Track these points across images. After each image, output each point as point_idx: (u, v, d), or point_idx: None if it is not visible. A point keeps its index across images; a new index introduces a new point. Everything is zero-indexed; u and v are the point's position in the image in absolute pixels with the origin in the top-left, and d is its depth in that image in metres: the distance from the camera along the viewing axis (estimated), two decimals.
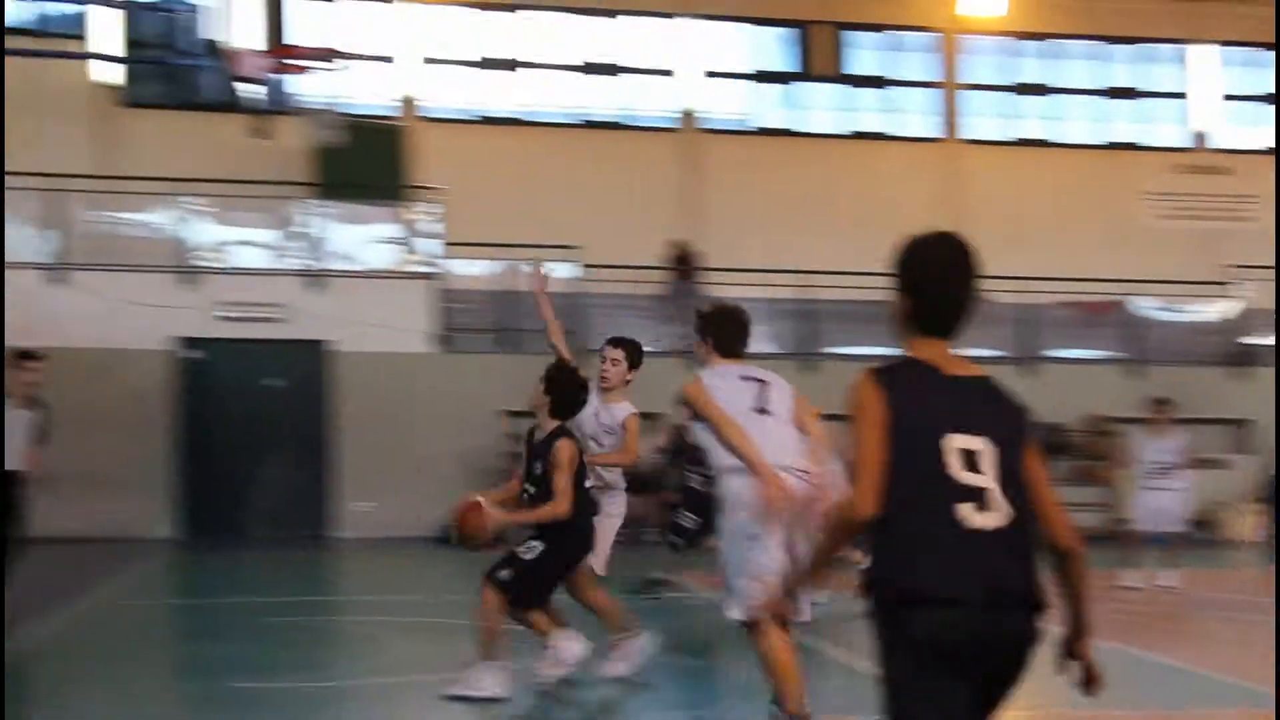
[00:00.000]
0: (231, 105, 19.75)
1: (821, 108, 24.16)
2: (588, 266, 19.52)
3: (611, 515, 7.94)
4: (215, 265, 18.59)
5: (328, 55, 13.64)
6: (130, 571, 14.01)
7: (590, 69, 23.13)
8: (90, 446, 16.56)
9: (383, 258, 19.45)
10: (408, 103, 22.31)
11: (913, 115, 24.37)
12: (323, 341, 18.13)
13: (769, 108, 24.12)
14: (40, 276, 17.60)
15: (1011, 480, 3.41)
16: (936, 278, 3.61)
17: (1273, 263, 21.55)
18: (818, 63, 23.82)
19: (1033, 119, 24.75)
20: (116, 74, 21.17)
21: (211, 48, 10.80)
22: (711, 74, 23.54)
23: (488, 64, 22.80)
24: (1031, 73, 24.71)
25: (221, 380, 18.10)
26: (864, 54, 24.24)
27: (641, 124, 23.30)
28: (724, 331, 6.53)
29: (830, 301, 20.39)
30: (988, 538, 3.32)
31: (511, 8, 22.73)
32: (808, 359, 19.66)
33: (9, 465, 9.85)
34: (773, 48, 24.38)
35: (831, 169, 23.31)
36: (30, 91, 20.20)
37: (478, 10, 22.63)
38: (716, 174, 23.05)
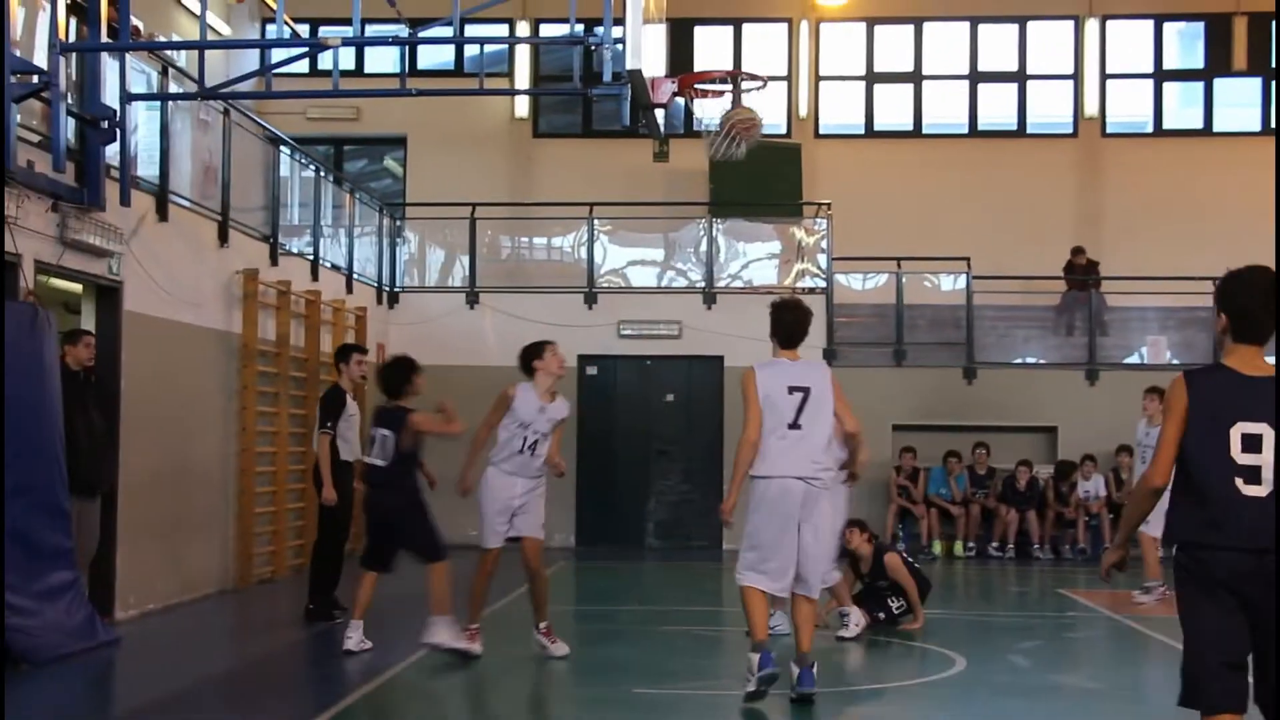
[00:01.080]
0: (633, 130, 20.86)
1: (1237, 104, 22.91)
2: (977, 278, 19.30)
3: None
4: (617, 285, 19.53)
5: (732, 79, 14.12)
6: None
7: (985, 78, 22.86)
8: None
9: (773, 274, 19.89)
10: (801, 120, 22.73)
11: None
12: (717, 357, 18.73)
13: (1174, 107, 23.11)
14: (461, 299, 19.00)
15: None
16: (1249, 301, 4.69)
17: None
18: (1235, 56, 22.58)
19: None
20: (529, 107, 22.67)
21: (625, 77, 11.45)
22: (1114, 76, 22.77)
23: (880, 78, 22.93)
24: None
25: (622, 394, 19.04)
26: None
27: (1038, 131, 22.82)
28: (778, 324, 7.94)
29: None
30: (1255, 503, 4.48)
31: (908, 20, 22.77)
32: None
33: (345, 456, 11.05)
34: (1181, 44, 23.34)
35: (1244, 168, 22.06)
36: (455, 128, 22.02)
37: (873, 23, 22.80)
38: (1116, 179, 22.30)
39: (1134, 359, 19.88)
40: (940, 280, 20.21)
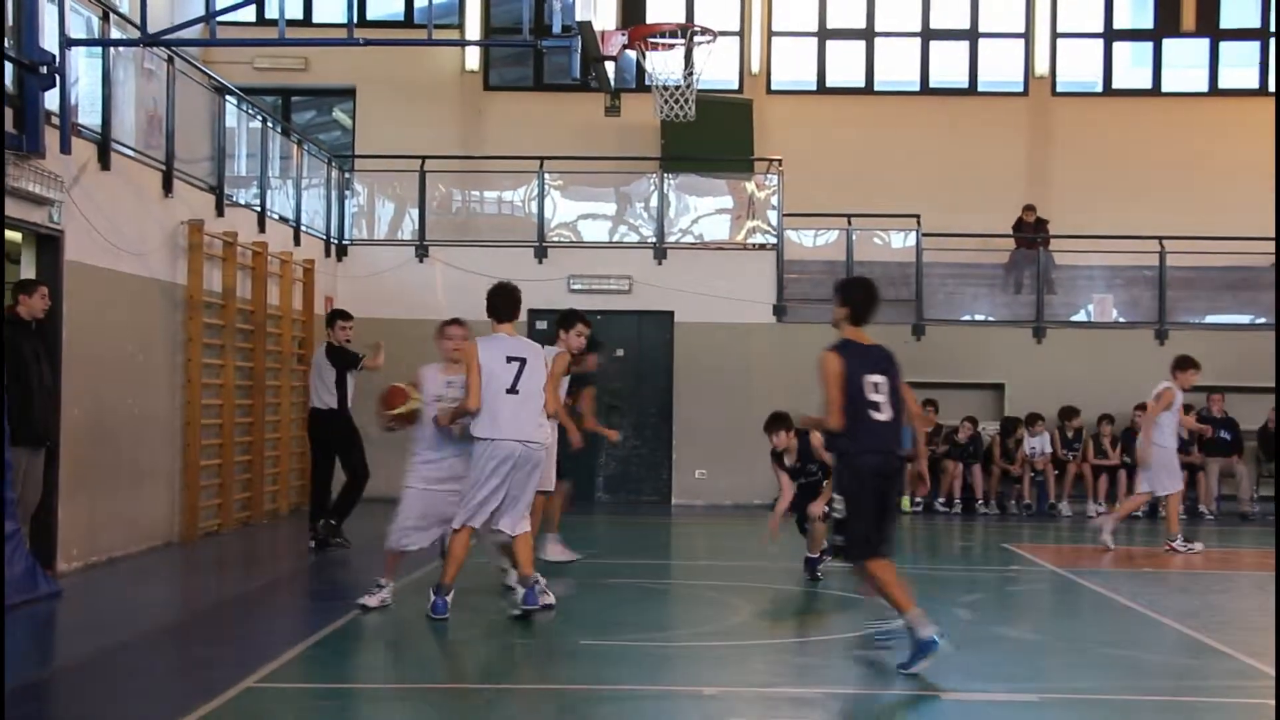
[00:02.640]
0: (584, 84, 20.69)
1: (1184, 65, 23.04)
2: (927, 235, 19.38)
3: None
4: (567, 239, 19.47)
5: (683, 31, 14.03)
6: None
7: (937, 35, 22.86)
8: None
9: (725, 229, 19.89)
10: (753, 76, 22.68)
11: None
12: (668, 312, 18.73)
13: (1124, 68, 23.22)
14: (410, 252, 18.88)
15: (894, 395, 7.52)
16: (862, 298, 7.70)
17: None
18: (1184, 17, 22.71)
19: None
20: (480, 59, 22.48)
21: (575, 29, 11.39)
22: (1064, 35, 22.83)
23: (833, 34, 22.88)
24: None
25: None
26: (1233, 6, 22.92)
27: (989, 89, 22.87)
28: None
29: (1183, 268, 19.53)
30: (884, 424, 7.46)
31: None
32: (1159, 328, 18.93)
33: (326, 406, 12.88)
34: (1131, 4, 23.42)
35: (1191, 129, 22.24)
36: (405, 80, 21.82)
37: None
38: (1066, 138, 22.42)
39: (1081, 317, 20.05)
40: (890, 237, 20.27)
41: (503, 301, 9.01)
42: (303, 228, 17.14)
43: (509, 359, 8.70)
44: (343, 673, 7.82)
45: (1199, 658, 8.29)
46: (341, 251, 18.87)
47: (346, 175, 19.43)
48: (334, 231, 18.70)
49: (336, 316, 13.27)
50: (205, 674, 7.37)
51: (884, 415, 7.45)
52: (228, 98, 14.93)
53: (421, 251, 18.91)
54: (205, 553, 12.84)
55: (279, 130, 17.36)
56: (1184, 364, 13.57)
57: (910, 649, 7.39)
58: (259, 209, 15.62)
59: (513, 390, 8.64)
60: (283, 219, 16.61)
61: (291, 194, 17.23)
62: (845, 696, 7.26)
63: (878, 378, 7.47)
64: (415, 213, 19.27)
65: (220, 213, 14.17)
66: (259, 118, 16.29)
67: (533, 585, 8.89)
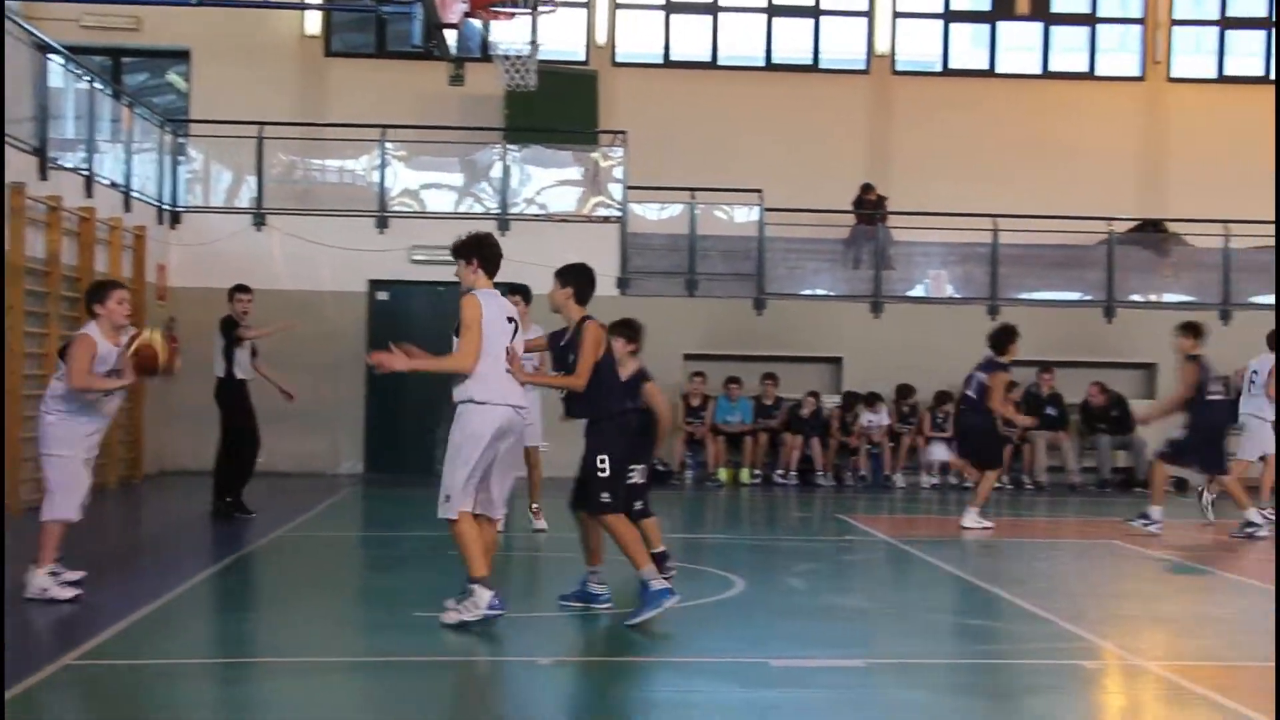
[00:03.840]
0: (429, 52, 20.43)
1: (1018, 47, 23.65)
2: (769, 210, 19.58)
3: None
4: (409, 209, 19.22)
5: (528, 1, 13.91)
6: (319, 505, 14.74)
7: (781, 11, 23.08)
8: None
9: (569, 201, 19.83)
10: (599, 48, 22.64)
11: (1114, 54, 23.67)
12: (513, 285, 18.58)
13: (963, 49, 23.73)
14: (248, 220, 18.47)
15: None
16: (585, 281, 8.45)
17: None
18: (1017, 1, 23.30)
19: (1242, 55, 23.78)
20: (320, 24, 22.04)
21: None
22: (904, 15, 23.24)
23: (678, 8, 22.95)
24: (1242, 6, 23.70)
25: (412, 321, 18.77)
26: None
27: (831, 66, 23.18)
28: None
29: (1016, 245, 20.06)
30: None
31: None
32: (991, 304, 19.43)
33: (217, 374, 12.97)
34: None
35: (1026, 110, 22.84)
36: (243, 43, 21.29)
37: None
38: (906, 116, 22.84)
39: (917, 292, 20.48)
40: (733, 212, 20.44)
41: (493, 254, 8.59)
42: (133, 193, 16.63)
43: (508, 319, 8.18)
44: (167, 649, 7.64)
45: (1019, 622, 8.54)
46: (175, 219, 18.38)
47: (180, 140, 18.90)
48: (167, 198, 18.19)
49: (235, 290, 13.24)
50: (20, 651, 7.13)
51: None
52: (52, 56, 14.39)
53: (259, 220, 18.51)
54: (29, 527, 12.40)
55: (108, 92, 16.80)
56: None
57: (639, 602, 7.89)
58: (86, 173, 15.11)
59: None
60: (112, 184, 16.10)
61: (122, 158, 16.71)
62: (670, 665, 7.31)
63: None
64: (253, 180, 18.85)
65: (44, 176, 13.67)
66: (86, 78, 15.74)
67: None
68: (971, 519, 13.15)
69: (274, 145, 19.11)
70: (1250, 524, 12.84)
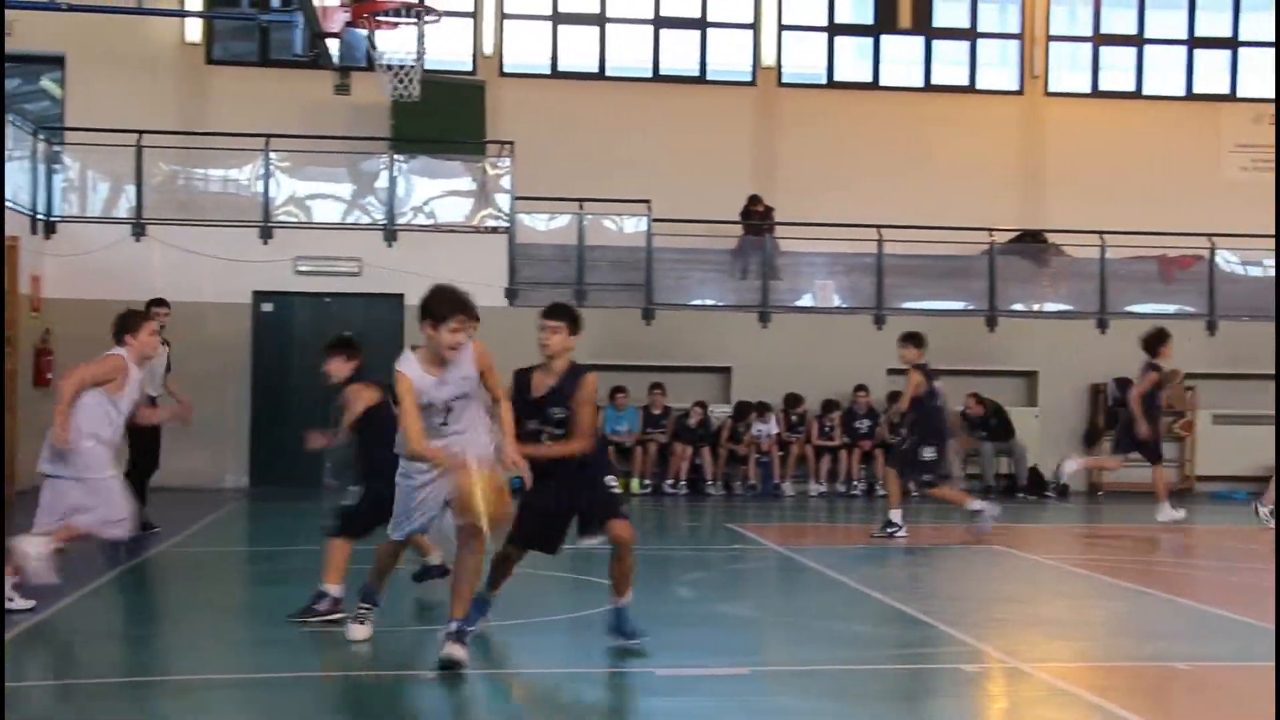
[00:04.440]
0: (314, 61, 20.16)
1: (901, 61, 24.01)
2: (657, 220, 19.65)
3: None
4: (295, 220, 18.98)
5: (412, 10, 13.80)
6: (202, 520, 14.47)
7: (668, 23, 23.19)
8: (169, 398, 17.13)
9: (457, 212, 19.72)
10: (486, 58, 22.56)
11: (994, 69, 24.13)
12: (398, 295, 18.46)
13: (847, 62, 24.02)
14: (126, 230, 18.10)
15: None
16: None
17: None
18: (900, 15, 23.67)
19: (1117, 70, 24.38)
20: (202, 31, 21.66)
21: (296, 3, 11.07)
22: (789, 27, 23.47)
23: (565, 19, 22.95)
24: (1116, 23, 24.31)
25: (298, 333, 18.54)
26: (946, 6, 23.99)
27: (718, 78, 23.33)
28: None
29: (901, 256, 20.34)
30: None
31: None
32: (878, 314, 19.69)
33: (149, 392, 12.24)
34: (852, 1, 24.24)
35: (909, 122, 23.18)
36: (120, 49, 20.85)
37: None
38: (792, 128, 23.05)
39: (804, 302, 20.67)
40: (622, 222, 20.48)
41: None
42: (6, 203, 16.20)
43: None
44: (41, 670, 7.44)
45: (903, 628, 8.65)
46: (50, 229, 17.94)
47: (55, 148, 18.46)
48: (41, 207, 17.76)
49: (151, 304, 12.89)
50: None
51: None
52: None
53: (139, 230, 18.15)
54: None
55: None
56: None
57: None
58: None
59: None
60: None
61: None
62: (556, 675, 7.29)
63: None
64: (132, 189, 18.48)
65: None
66: None
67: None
68: (1166, 513, 14.41)
69: (154, 154, 18.75)
70: (891, 524, 13.25)
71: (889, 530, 13.31)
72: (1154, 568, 12.16)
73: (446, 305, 7.00)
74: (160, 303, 13.01)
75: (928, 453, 13.24)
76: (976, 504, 13.36)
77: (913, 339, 13.36)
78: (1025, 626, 9.05)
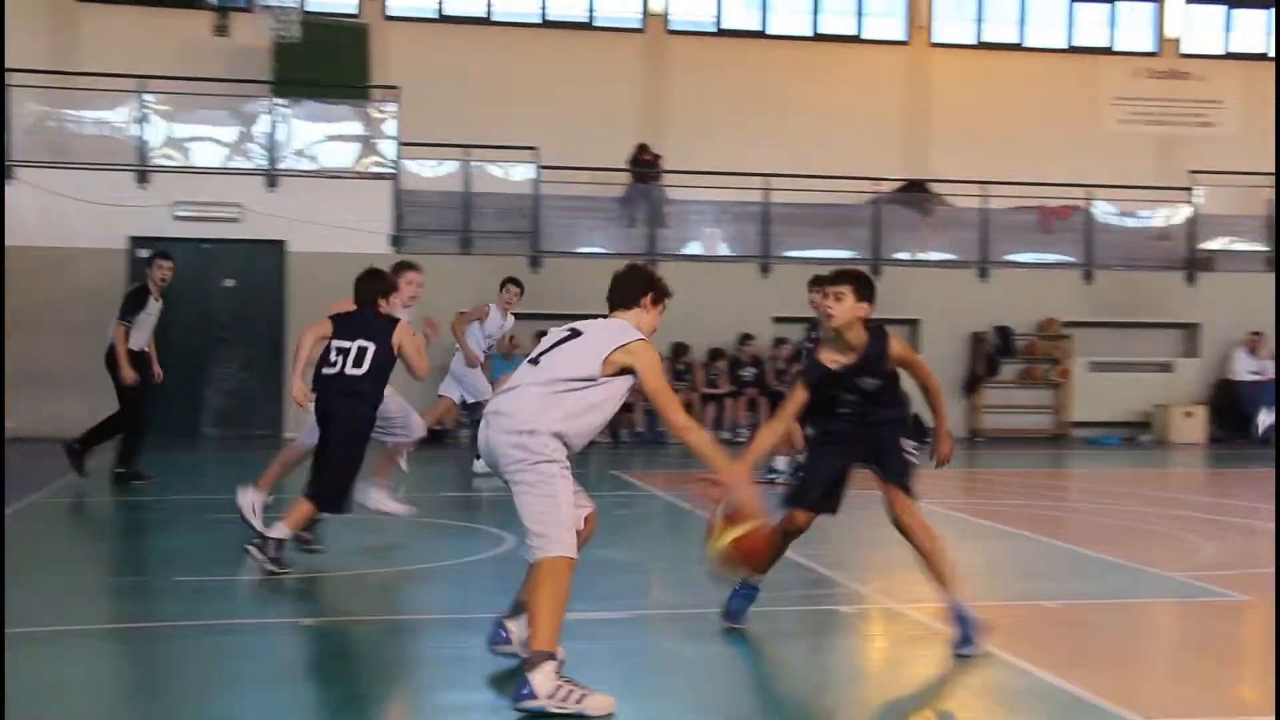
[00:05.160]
0: (192, 1, 19.68)
1: (789, 10, 24.05)
2: (545, 168, 19.53)
3: None
4: (173, 164, 18.56)
5: None
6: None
7: None
8: (41, 346, 16.72)
9: (341, 157, 19.42)
10: (370, 1, 22.16)
11: (880, 18, 24.28)
12: (279, 241, 18.16)
13: (736, 9, 24.00)
14: None
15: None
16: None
17: (1234, 168, 21.78)
18: None
19: (1001, 22, 24.67)
20: None
21: None
22: None
23: None
24: None
25: (176, 280, 18.06)
26: None
27: (606, 24, 23.19)
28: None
29: (787, 205, 20.46)
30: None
31: None
32: (764, 261, 19.81)
33: (134, 346, 12.68)
34: None
35: (796, 72, 23.28)
36: None
37: None
38: (680, 76, 23.03)
39: (691, 250, 20.72)
40: (509, 169, 20.31)
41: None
42: None
43: None
44: None
45: (784, 571, 8.71)
46: None
47: None
48: None
49: (156, 256, 13.06)
50: None
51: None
52: None
53: (7, 173, 17.60)
54: None
55: None
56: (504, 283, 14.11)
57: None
58: None
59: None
60: None
61: None
62: (442, 621, 7.27)
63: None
64: None
65: None
66: None
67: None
68: None
69: (22, 94, 18.18)
70: (774, 470, 13.42)
71: (770, 476, 13.43)
72: (1029, 511, 12.43)
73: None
74: (164, 255, 13.12)
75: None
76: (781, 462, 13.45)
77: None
78: (903, 569, 9.17)
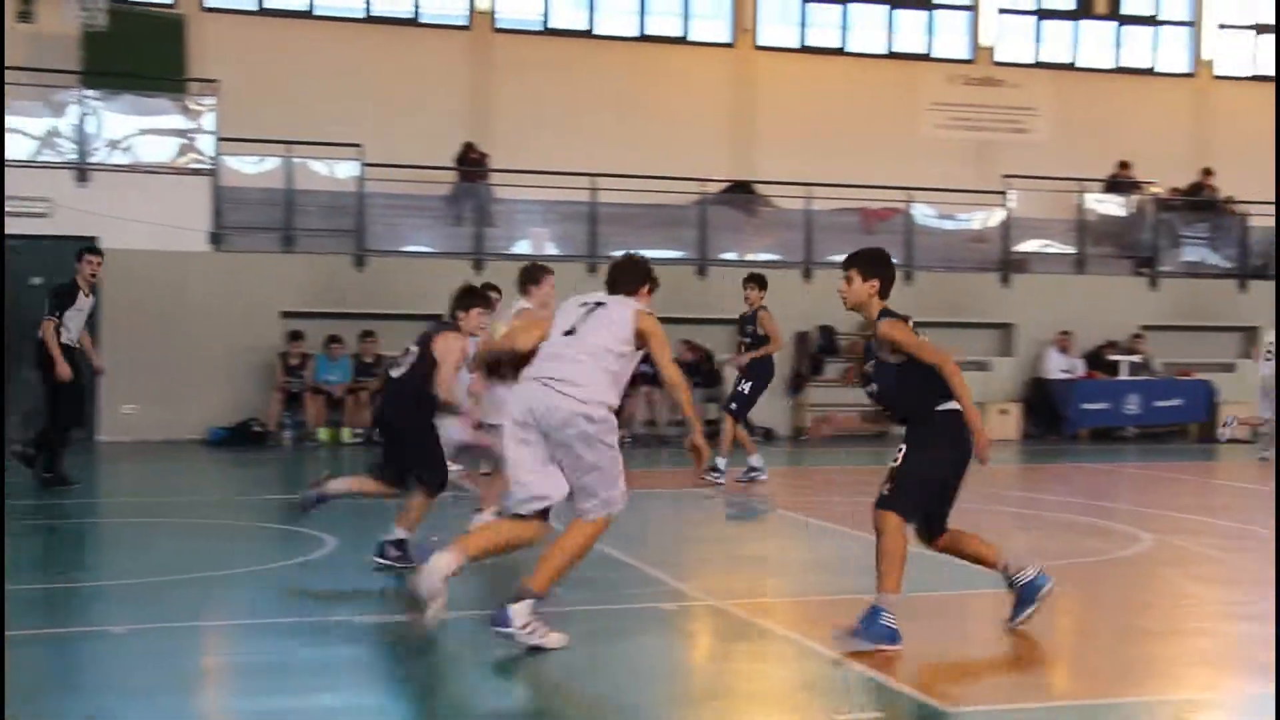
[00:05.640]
0: None
1: (616, 11, 24.11)
2: (369, 165, 19.25)
3: None
4: None
5: None
6: None
7: None
8: None
9: (157, 152, 18.82)
10: None
11: (706, 20, 24.49)
12: (91, 238, 17.52)
13: (564, 9, 23.98)
14: None
15: None
16: None
17: (1045, 173, 22.54)
18: None
19: (824, 27, 25.10)
20: None
21: None
22: None
23: None
24: None
25: None
26: None
27: (432, 21, 22.96)
28: None
29: (614, 205, 20.52)
30: None
31: None
32: (591, 261, 19.82)
33: (64, 340, 12.48)
34: None
35: (623, 72, 23.36)
36: None
37: None
38: (508, 75, 22.91)
39: (518, 249, 20.63)
40: (333, 166, 19.97)
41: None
42: None
43: None
44: None
45: (607, 570, 8.75)
46: None
47: None
48: None
49: (85, 251, 12.96)
50: None
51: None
52: None
53: None
54: None
55: None
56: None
57: None
58: None
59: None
60: None
61: None
62: (255, 627, 7.10)
63: None
64: None
65: None
66: None
67: None
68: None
69: None
70: (753, 469, 13.62)
71: (751, 475, 13.43)
72: (859, 509, 12.64)
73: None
74: (94, 250, 13.01)
75: (749, 387, 13.52)
76: (757, 460, 13.59)
77: (758, 281, 13.75)
78: (727, 566, 9.29)
